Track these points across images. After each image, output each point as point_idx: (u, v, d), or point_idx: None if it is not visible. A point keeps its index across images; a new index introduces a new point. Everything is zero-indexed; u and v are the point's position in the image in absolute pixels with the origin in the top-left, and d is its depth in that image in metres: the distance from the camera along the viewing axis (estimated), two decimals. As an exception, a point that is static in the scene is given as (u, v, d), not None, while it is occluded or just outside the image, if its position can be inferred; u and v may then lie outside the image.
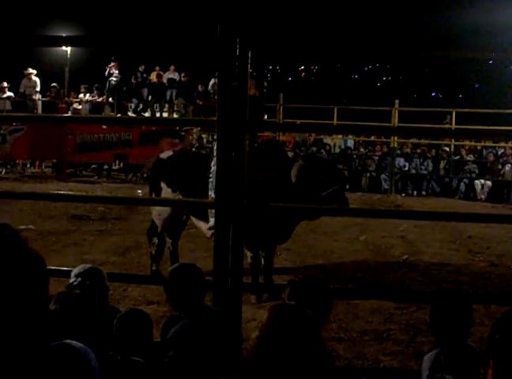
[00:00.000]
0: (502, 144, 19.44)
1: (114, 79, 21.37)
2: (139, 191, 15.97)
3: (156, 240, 8.43)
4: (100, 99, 21.53)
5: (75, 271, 3.82)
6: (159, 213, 8.28)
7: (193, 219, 8.20)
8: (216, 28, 4.12)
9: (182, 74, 21.69)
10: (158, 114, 20.97)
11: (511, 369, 2.31)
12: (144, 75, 21.81)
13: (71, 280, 3.77)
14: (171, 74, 21.94)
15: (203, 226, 7.87)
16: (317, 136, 20.51)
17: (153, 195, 8.47)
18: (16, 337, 1.41)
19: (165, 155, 8.60)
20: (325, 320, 3.47)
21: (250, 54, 4.19)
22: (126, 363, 2.74)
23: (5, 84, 21.00)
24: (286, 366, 2.40)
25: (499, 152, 19.45)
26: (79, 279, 3.74)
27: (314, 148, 19.74)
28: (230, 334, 3.61)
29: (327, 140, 20.99)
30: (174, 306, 3.83)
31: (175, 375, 3.37)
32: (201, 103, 21.10)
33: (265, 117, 8.92)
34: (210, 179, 7.45)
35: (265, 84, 8.91)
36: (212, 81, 21.64)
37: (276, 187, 7.34)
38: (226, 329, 3.60)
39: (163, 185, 8.24)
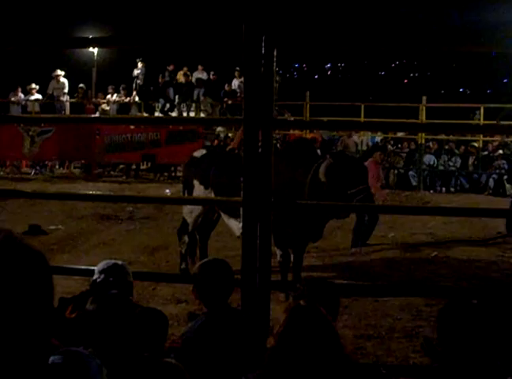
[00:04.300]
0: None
1: (141, 78, 21.47)
2: (167, 190, 16.06)
3: (186, 238, 8.46)
4: (127, 100, 21.63)
5: (98, 267, 3.80)
6: (190, 211, 8.30)
7: (224, 217, 8.19)
8: (242, 27, 4.13)
9: (212, 73, 21.75)
10: (185, 114, 21.02)
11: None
12: (172, 75, 21.82)
13: (94, 277, 3.76)
14: (200, 74, 21.93)
15: (234, 223, 7.85)
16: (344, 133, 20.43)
17: (186, 193, 8.52)
18: (18, 340, 1.37)
19: (199, 153, 8.67)
20: (335, 318, 3.41)
21: (275, 53, 4.19)
22: (163, 365, 2.71)
23: (34, 86, 21.18)
24: (305, 362, 2.47)
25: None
26: (102, 275, 3.72)
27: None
28: (248, 332, 3.58)
29: (354, 137, 20.90)
30: (201, 300, 3.81)
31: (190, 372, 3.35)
32: (228, 102, 21.15)
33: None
34: None
35: (278, 78, 8.90)
36: (234, 81, 21.68)
37: (305, 185, 7.32)
38: (243, 328, 3.58)
39: (195, 182, 8.29)
